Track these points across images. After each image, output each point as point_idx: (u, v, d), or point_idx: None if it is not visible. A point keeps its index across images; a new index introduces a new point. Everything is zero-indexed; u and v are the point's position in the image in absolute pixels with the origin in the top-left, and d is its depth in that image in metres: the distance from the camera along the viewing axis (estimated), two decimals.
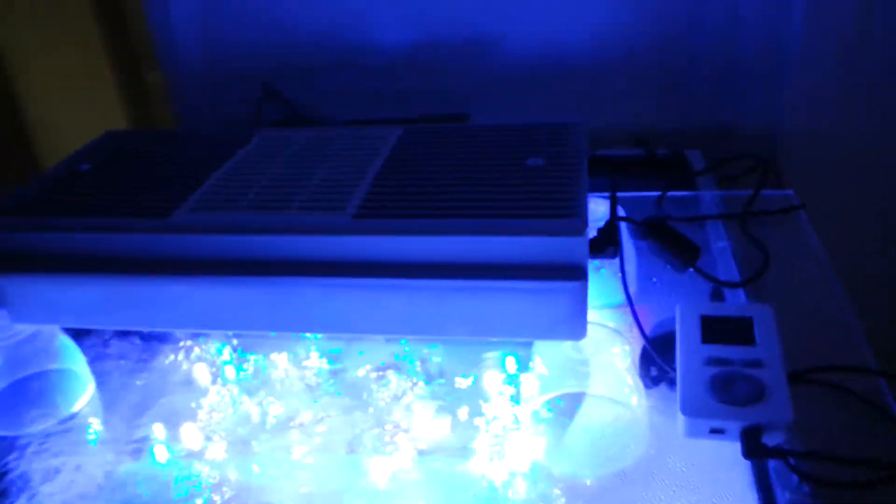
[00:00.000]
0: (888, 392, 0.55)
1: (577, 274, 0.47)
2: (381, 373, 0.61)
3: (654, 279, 0.70)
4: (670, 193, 0.85)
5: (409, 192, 0.53)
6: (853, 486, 0.47)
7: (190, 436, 0.57)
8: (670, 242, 0.65)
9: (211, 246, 0.51)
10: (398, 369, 0.61)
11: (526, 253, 0.48)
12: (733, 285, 0.67)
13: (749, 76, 0.96)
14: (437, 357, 0.62)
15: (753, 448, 0.48)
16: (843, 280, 0.69)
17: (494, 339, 0.53)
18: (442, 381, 0.60)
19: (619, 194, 0.64)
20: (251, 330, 0.56)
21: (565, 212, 0.48)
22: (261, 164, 0.60)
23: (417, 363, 0.61)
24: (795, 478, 0.47)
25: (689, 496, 0.49)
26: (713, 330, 0.58)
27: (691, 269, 0.67)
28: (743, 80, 0.96)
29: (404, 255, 0.49)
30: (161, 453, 0.56)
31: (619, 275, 0.61)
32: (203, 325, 0.57)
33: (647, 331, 0.60)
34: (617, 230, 0.54)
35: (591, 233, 0.51)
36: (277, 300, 0.51)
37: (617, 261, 0.70)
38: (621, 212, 0.69)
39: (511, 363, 0.59)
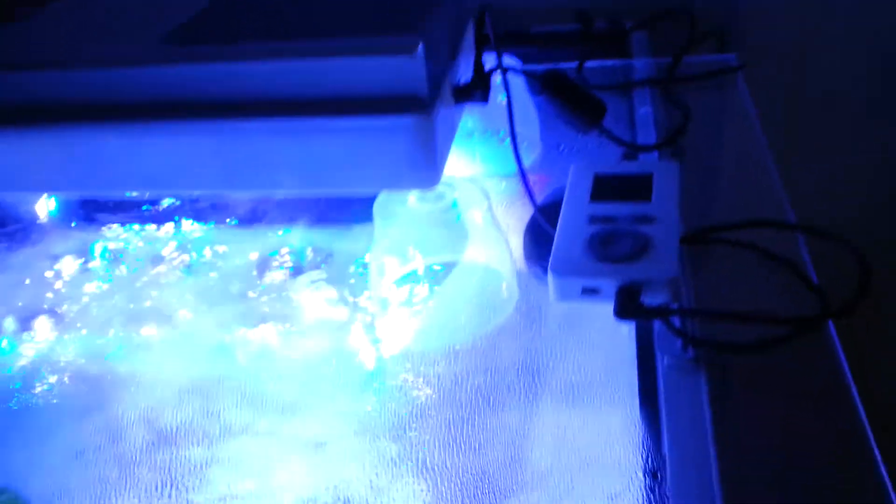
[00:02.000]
0: (805, 248, 0.48)
1: (411, 105, 0.39)
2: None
3: (561, 146, 0.63)
4: (601, 62, 0.77)
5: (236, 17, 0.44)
6: (746, 348, 0.40)
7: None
8: (572, 99, 0.57)
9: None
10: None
11: (354, 81, 0.39)
12: (646, 149, 0.59)
13: None
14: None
15: (626, 307, 0.41)
16: (772, 148, 0.61)
17: (337, 192, 0.45)
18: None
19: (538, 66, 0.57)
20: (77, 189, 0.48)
21: (401, 29, 0.40)
22: None
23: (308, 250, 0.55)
24: (679, 341, 0.40)
25: (564, 363, 0.43)
26: (605, 188, 0.50)
27: (600, 133, 0.59)
28: None
29: (218, 89, 0.41)
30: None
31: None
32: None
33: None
34: (483, 71, 0.46)
35: None
36: (78, 151, 0.44)
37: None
38: (517, 64, 0.60)
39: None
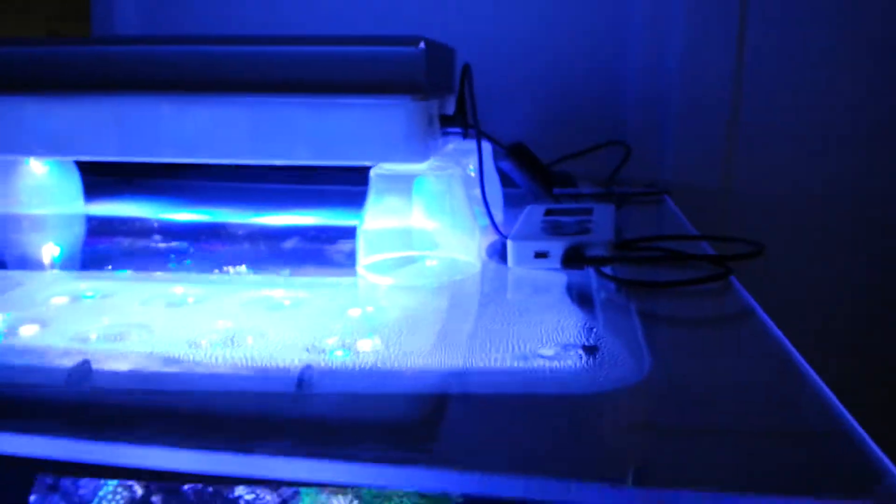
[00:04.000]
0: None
1: (411, 88, 0.51)
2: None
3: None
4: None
5: None
6: (667, 284, 0.48)
7: None
8: (531, 168, 0.69)
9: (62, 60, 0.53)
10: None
11: (360, 68, 0.51)
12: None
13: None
14: None
15: (570, 258, 0.50)
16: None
17: (339, 164, 0.54)
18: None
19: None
20: (104, 155, 0.56)
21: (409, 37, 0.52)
22: None
23: None
24: (612, 285, 0.49)
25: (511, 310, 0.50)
26: (556, 211, 0.61)
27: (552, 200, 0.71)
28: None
29: (245, 70, 0.52)
30: None
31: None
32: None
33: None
34: (465, 107, 0.59)
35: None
36: (123, 121, 0.53)
37: None
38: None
39: None
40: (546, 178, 0.70)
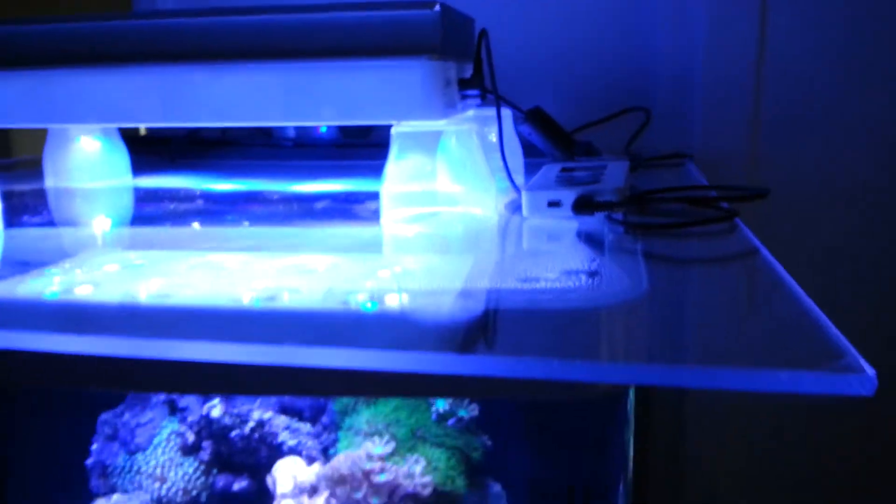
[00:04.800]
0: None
1: (428, 49, 0.54)
2: None
3: None
4: None
5: None
6: (672, 225, 0.51)
7: None
8: (550, 132, 0.72)
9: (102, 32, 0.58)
10: None
11: (380, 31, 0.55)
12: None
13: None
14: None
15: (581, 205, 0.52)
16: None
17: (362, 123, 0.58)
18: None
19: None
20: (147, 122, 0.61)
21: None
22: None
23: None
24: (621, 229, 0.51)
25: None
26: (571, 167, 0.64)
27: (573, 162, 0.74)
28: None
29: (272, 38, 0.56)
30: None
31: None
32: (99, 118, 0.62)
33: None
34: (481, 70, 0.62)
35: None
36: (163, 89, 0.58)
37: None
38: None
39: None
40: (566, 141, 0.73)
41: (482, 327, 0.36)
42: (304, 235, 0.58)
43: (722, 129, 1.04)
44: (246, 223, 0.62)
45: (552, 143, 0.72)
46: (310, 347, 0.34)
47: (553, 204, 0.54)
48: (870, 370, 0.25)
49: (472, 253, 0.52)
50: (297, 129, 1.05)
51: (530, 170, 0.74)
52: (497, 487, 0.76)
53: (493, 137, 0.68)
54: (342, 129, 1.04)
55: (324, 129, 1.07)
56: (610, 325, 0.36)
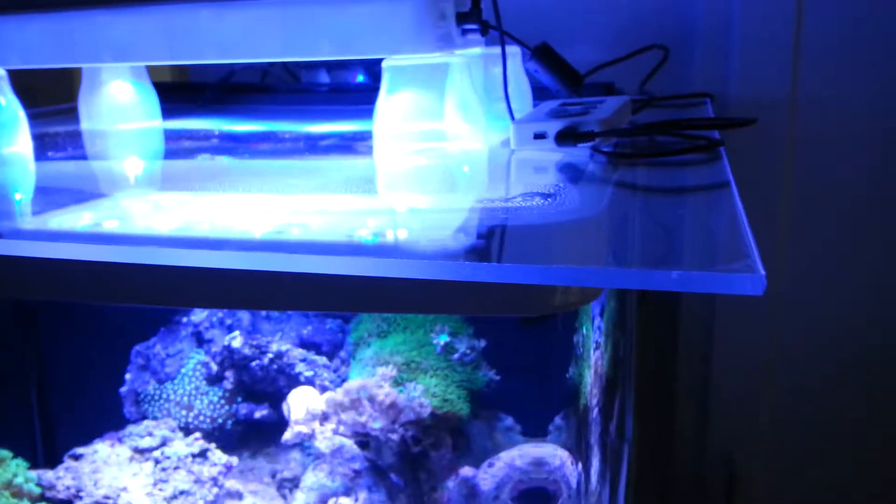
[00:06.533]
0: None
1: None
2: None
3: None
4: None
5: None
6: (649, 154, 0.51)
7: None
8: (557, 67, 0.72)
9: None
10: None
11: None
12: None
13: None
14: None
15: (564, 136, 0.53)
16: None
17: (357, 57, 0.59)
18: None
19: None
20: (158, 60, 0.63)
21: None
22: None
23: None
24: (602, 157, 0.52)
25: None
26: (568, 104, 0.64)
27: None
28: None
29: None
30: None
31: None
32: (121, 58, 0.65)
33: None
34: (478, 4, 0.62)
35: None
36: (171, 28, 0.60)
37: None
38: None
39: None
40: (573, 78, 0.72)
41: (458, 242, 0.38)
42: (302, 168, 0.61)
43: (759, 71, 1.01)
44: (248, 157, 0.65)
45: (560, 80, 0.72)
46: (312, 255, 0.36)
47: (539, 136, 0.55)
48: (762, 271, 0.26)
49: (454, 185, 0.53)
50: (331, 75, 1.07)
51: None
52: (509, 420, 0.78)
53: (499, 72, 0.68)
54: (374, 75, 1.06)
55: (360, 78, 1.08)
56: (550, 243, 0.37)
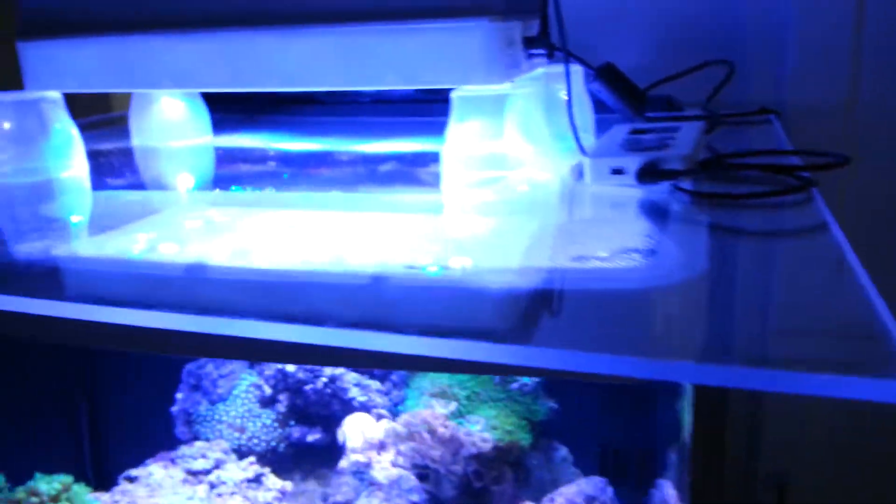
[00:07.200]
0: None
1: (488, 10, 0.52)
2: None
3: None
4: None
5: None
6: (742, 196, 0.48)
7: None
8: (622, 88, 0.69)
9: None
10: None
11: None
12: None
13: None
14: None
15: (646, 173, 0.50)
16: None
17: (423, 87, 0.57)
18: None
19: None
20: (219, 87, 0.62)
21: None
22: None
23: None
24: (687, 198, 0.49)
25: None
26: (640, 132, 0.61)
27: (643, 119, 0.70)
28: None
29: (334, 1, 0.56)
30: None
31: None
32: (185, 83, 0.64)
33: None
34: (547, 27, 0.59)
35: None
36: (225, 54, 0.58)
37: None
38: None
39: None
40: (638, 99, 0.70)
41: (530, 312, 0.36)
42: (366, 200, 0.59)
43: (816, 83, 0.97)
44: (315, 188, 0.63)
45: (624, 101, 0.69)
46: (367, 332, 0.35)
47: (617, 171, 0.52)
48: None
49: (528, 224, 0.51)
50: None
51: (601, 127, 0.71)
52: (564, 451, 0.76)
53: (563, 94, 0.65)
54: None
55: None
56: (660, 312, 0.34)
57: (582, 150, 0.60)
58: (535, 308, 0.36)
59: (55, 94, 0.65)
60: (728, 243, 0.42)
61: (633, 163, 0.51)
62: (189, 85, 0.63)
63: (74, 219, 0.60)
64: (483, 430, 0.65)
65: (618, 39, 1.03)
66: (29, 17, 0.64)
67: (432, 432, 0.67)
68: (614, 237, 0.43)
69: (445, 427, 0.66)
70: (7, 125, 0.65)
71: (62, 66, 0.64)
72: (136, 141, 0.82)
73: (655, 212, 0.48)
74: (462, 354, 0.33)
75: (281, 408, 0.81)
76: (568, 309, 0.36)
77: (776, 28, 0.97)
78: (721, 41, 0.99)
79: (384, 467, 0.70)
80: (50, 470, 0.80)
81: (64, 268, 0.48)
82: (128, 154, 0.80)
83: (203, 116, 0.84)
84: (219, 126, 0.85)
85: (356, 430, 0.73)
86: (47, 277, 0.46)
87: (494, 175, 0.57)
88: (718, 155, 0.56)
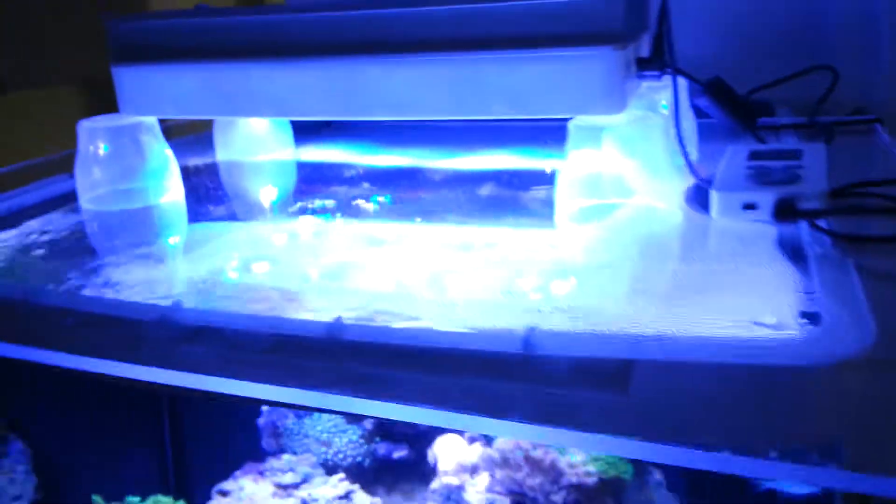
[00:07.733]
0: None
1: (610, 38, 0.50)
2: None
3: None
4: None
5: None
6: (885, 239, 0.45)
7: None
8: (729, 104, 0.66)
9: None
10: None
11: (560, 20, 0.51)
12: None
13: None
14: None
15: (783, 211, 0.48)
16: None
17: (538, 117, 0.55)
18: None
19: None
20: (319, 115, 0.61)
21: None
22: None
23: None
24: (828, 239, 0.46)
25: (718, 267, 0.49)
26: (761, 153, 0.58)
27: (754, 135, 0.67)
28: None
29: (443, 29, 0.53)
30: None
31: None
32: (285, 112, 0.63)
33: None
34: (661, 47, 0.57)
35: None
36: (329, 83, 0.57)
37: None
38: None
39: None
40: (747, 113, 0.66)
41: (653, 398, 0.34)
42: (470, 234, 0.57)
43: None
44: (418, 219, 0.61)
45: (732, 117, 0.66)
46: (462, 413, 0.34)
47: (749, 206, 0.50)
48: None
49: (653, 270, 0.48)
50: None
51: (702, 135, 0.68)
52: (657, 474, 0.75)
53: (664, 107, 0.63)
54: None
55: None
56: (824, 396, 0.32)
57: (696, 174, 0.57)
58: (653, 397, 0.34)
59: (151, 120, 0.65)
60: (891, 294, 0.40)
61: (766, 198, 0.49)
62: (291, 113, 0.62)
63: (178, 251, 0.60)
64: (585, 460, 0.64)
65: (705, 47, 0.99)
66: (124, 42, 0.64)
67: (529, 459, 0.66)
68: (770, 291, 0.41)
69: (544, 454, 0.65)
70: (106, 149, 0.64)
71: (158, 91, 0.63)
72: (221, 155, 0.81)
73: (795, 255, 0.46)
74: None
75: (367, 424, 0.80)
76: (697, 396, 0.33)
77: (868, 28, 0.93)
78: (811, 43, 0.94)
79: (479, 491, 0.69)
80: (138, 486, 0.81)
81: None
82: (215, 172, 0.80)
83: (286, 129, 0.83)
84: (296, 131, 0.83)
85: (448, 452, 0.73)
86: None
87: (609, 202, 0.55)
88: (848, 185, 0.53)
